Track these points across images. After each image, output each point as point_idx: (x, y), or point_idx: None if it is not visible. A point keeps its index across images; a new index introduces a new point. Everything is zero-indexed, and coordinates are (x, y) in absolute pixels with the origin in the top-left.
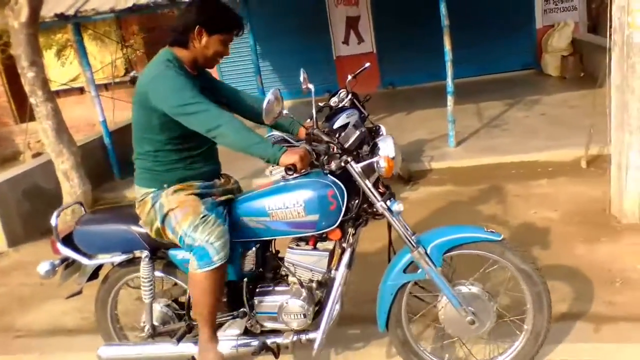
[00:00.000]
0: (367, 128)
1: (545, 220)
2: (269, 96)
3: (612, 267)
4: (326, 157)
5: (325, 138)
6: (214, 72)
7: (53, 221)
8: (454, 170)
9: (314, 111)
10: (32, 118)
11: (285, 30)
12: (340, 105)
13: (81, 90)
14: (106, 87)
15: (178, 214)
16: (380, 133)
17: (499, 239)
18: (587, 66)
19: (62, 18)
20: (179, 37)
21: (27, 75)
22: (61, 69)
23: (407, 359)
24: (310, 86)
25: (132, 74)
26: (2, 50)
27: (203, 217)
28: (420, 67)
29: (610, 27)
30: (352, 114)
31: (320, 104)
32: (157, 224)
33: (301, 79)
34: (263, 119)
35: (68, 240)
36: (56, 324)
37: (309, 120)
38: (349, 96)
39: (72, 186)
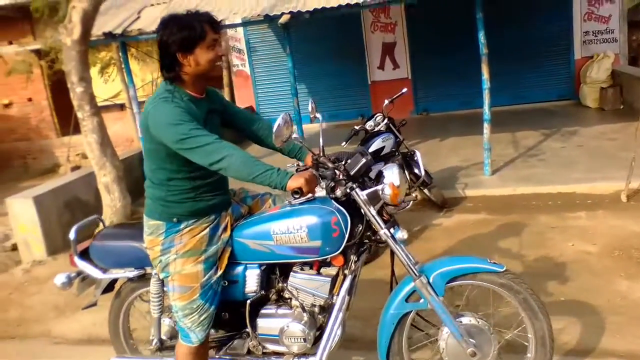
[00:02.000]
0: (401, 153)
1: (583, 253)
2: (279, 120)
3: None
4: (332, 182)
5: (331, 165)
6: (249, 93)
7: (72, 235)
8: (489, 198)
9: (321, 140)
10: (73, 132)
11: (322, 55)
12: (376, 129)
13: (121, 107)
14: None
15: (177, 287)
16: (415, 158)
17: (501, 270)
18: (626, 98)
19: (109, 37)
20: (170, 74)
21: (76, 90)
22: (103, 86)
23: None
24: (318, 115)
25: None
26: (50, 66)
27: (195, 305)
28: (454, 94)
29: None
30: (388, 138)
31: (356, 127)
32: (161, 273)
33: (309, 108)
34: (273, 142)
35: (85, 254)
36: (90, 333)
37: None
38: (385, 120)
39: (112, 199)
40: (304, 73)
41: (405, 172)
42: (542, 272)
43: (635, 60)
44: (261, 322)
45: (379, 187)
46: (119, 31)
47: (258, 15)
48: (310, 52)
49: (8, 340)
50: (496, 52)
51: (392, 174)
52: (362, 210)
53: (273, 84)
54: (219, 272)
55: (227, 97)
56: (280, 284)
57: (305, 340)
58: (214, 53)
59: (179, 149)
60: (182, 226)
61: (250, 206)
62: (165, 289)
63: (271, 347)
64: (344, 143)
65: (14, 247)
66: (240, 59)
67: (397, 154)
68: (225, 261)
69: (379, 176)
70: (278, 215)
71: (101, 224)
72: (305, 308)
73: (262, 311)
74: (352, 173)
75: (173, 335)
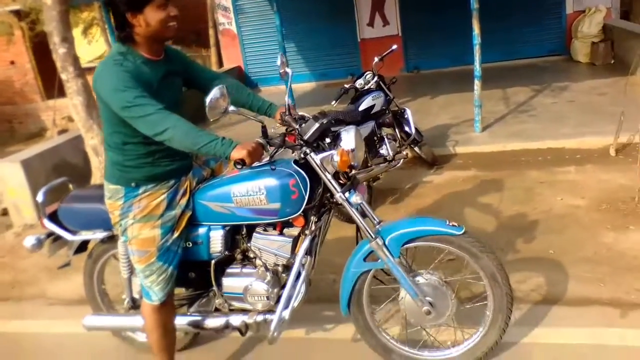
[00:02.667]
0: (392, 111)
1: (572, 207)
2: (215, 92)
3: None
4: (278, 149)
5: (294, 125)
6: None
7: (39, 198)
8: (479, 155)
9: (286, 97)
10: (58, 95)
11: (310, 12)
12: (366, 87)
13: None
14: None
15: (134, 251)
16: (406, 116)
17: (459, 233)
18: (618, 53)
19: None
20: (122, 34)
21: (59, 52)
22: (87, 47)
23: (368, 343)
24: (288, 70)
25: None
26: (30, 28)
27: (155, 267)
28: (445, 51)
29: None
30: (378, 96)
31: (346, 86)
32: (121, 237)
33: (278, 62)
34: (261, 105)
35: (55, 217)
36: (84, 294)
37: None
38: (375, 78)
39: (100, 161)
40: (292, 31)
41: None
42: (530, 226)
43: (627, 14)
44: (226, 281)
45: (329, 153)
46: None
47: None
48: (299, 9)
49: (3, 302)
50: (487, 8)
51: (347, 138)
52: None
53: (261, 42)
54: (176, 235)
55: (213, 57)
56: (244, 244)
57: (268, 298)
58: (165, 13)
59: (123, 115)
60: (140, 191)
61: (214, 169)
62: None
63: (237, 305)
64: (334, 102)
65: (5, 212)
66: (226, 17)
67: (387, 112)
68: (183, 224)
69: (336, 138)
70: (238, 178)
71: (70, 186)
72: (269, 267)
73: (228, 270)
74: (305, 137)
75: None
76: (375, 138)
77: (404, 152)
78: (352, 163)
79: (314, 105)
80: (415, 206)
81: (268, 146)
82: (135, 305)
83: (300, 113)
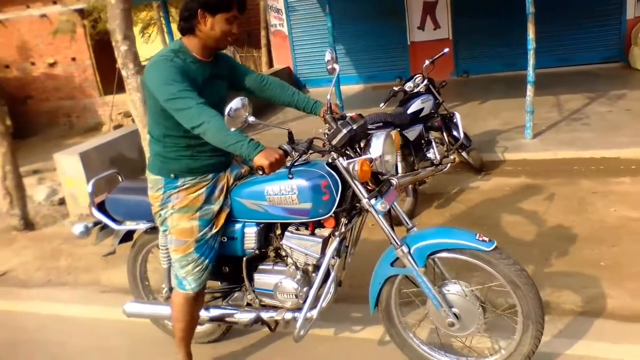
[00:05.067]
0: (440, 115)
1: (626, 219)
2: (235, 102)
3: None
4: (301, 156)
5: (333, 124)
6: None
7: (89, 188)
8: (529, 162)
9: (328, 96)
10: (116, 91)
11: (361, 14)
12: (416, 90)
13: None
14: None
15: (173, 241)
16: (454, 120)
17: (489, 249)
18: None
19: None
20: (185, 25)
21: (120, 49)
22: (144, 46)
23: (397, 344)
24: (336, 66)
25: None
26: (92, 26)
27: (191, 258)
28: (496, 55)
29: None
30: (427, 100)
31: (395, 89)
32: (160, 227)
33: (328, 57)
34: (305, 105)
35: (102, 206)
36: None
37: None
38: (425, 82)
39: None
40: (342, 33)
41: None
42: (581, 237)
43: None
44: (258, 277)
45: (352, 161)
46: None
47: None
48: (349, 11)
49: (60, 287)
50: (542, 12)
51: (376, 144)
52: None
53: (311, 44)
54: (214, 230)
55: (264, 57)
56: (277, 242)
57: (297, 296)
58: (230, 27)
59: (167, 107)
60: (179, 183)
61: (252, 166)
62: None
63: (267, 301)
64: (382, 104)
65: (62, 201)
66: (278, 18)
67: (436, 115)
68: (222, 220)
69: (368, 143)
70: (273, 176)
71: (119, 178)
72: (299, 266)
73: (260, 267)
74: (333, 143)
75: None
76: (422, 141)
77: (452, 157)
78: (380, 170)
79: (362, 107)
80: (461, 211)
81: (292, 152)
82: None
83: (345, 113)
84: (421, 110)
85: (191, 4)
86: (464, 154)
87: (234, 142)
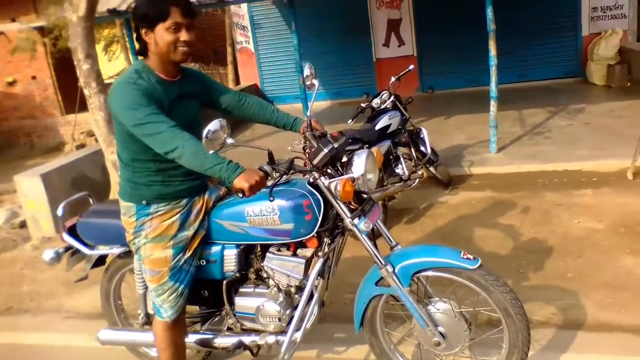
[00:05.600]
0: (407, 130)
1: (589, 230)
2: (214, 124)
3: None
4: (281, 177)
5: (313, 142)
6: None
7: (59, 212)
8: (495, 176)
9: (308, 112)
10: (78, 110)
11: (327, 32)
12: (383, 106)
13: None
14: None
15: (147, 270)
16: (421, 136)
17: (473, 267)
18: (634, 76)
19: (113, 13)
20: (140, 46)
21: (83, 68)
22: (107, 64)
23: None
24: (315, 82)
25: None
26: (53, 44)
27: (166, 286)
28: (460, 71)
29: None
30: (394, 116)
31: (363, 105)
32: (135, 255)
33: (306, 72)
34: (285, 122)
35: (73, 230)
36: (100, 308)
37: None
38: (392, 98)
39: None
40: (309, 50)
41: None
42: (548, 249)
43: None
44: (239, 301)
45: (334, 181)
46: (123, 7)
47: None
48: (316, 29)
49: (21, 314)
50: (503, 29)
51: (357, 162)
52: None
53: (278, 61)
54: (188, 254)
55: (230, 74)
56: (258, 264)
57: (280, 319)
58: (173, 37)
59: (135, 132)
60: (151, 209)
61: (229, 187)
62: None
63: (249, 325)
64: (350, 121)
65: (23, 224)
66: (244, 35)
67: (403, 131)
68: (195, 244)
69: (350, 162)
70: (253, 197)
71: (91, 200)
72: (282, 288)
73: (240, 290)
74: (314, 162)
75: None
76: (391, 157)
77: (420, 172)
78: (362, 189)
79: (330, 123)
80: (431, 226)
81: (273, 173)
82: (149, 320)
83: (324, 130)
84: (389, 126)
85: (135, 25)
86: (431, 169)
87: (212, 166)
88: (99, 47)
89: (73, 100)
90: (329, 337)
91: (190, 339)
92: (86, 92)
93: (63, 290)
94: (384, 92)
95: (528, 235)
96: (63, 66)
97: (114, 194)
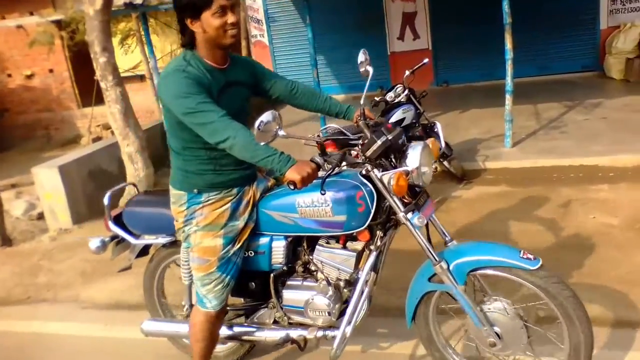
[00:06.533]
0: (421, 124)
1: (605, 225)
2: (266, 116)
3: None
4: (333, 169)
5: (366, 132)
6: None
7: (105, 200)
8: (510, 171)
9: (362, 100)
10: (95, 103)
11: (341, 25)
12: (397, 100)
13: (141, 78)
14: None
15: (195, 259)
16: (435, 130)
17: (534, 267)
18: None
19: (130, 7)
20: (185, 39)
21: (99, 61)
22: (123, 57)
23: (432, 356)
24: (369, 69)
25: None
26: (70, 37)
27: (213, 276)
28: (475, 65)
29: None
30: (408, 110)
31: (377, 99)
32: (183, 243)
33: (361, 58)
34: (338, 111)
35: (119, 220)
36: (118, 299)
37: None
38: (406, 92)
39: (136, 169)
40: (323, 44)
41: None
42: (563, 244)
43: None
44: (286, 294)
45: (387, 174)
46: (139, 1)
47: None
48: (330, 22)
49: (39, 304)
50: (519, 22)
51: (412, 155)
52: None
53: (292, 54)
54: (237, 246)
55: None
56: (306, 257)
57: (329, 314)
58: (222, 20)
59: (186, 121)
60: (202, 198)
61: (278, 178)
62: None
63: (296, 319)
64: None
65: (40, 216)
66: (258, 29)
67: (417, 125)
68: (245, 236)
69: (404, 153)
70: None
71: (135, 190)
72: (331, 282)
73: (288, 282)
74: (368, 154)
75: None
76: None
77: (434, 166)
78: (416, 182)
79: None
80: (444, 220)
81: (325, 165)
82: None
83: (378, 119)
84: (403, 120)
85: (178, 18)
86: (445, 163)
87: (264, 157)
88: (115, 41)
89: (90, 93)
90: (372, 331)
91: (236, 331)
92: (102, 85)
93: (80, 280)
94: (398, 85)
95: (543, 231)
96: (80, 59)
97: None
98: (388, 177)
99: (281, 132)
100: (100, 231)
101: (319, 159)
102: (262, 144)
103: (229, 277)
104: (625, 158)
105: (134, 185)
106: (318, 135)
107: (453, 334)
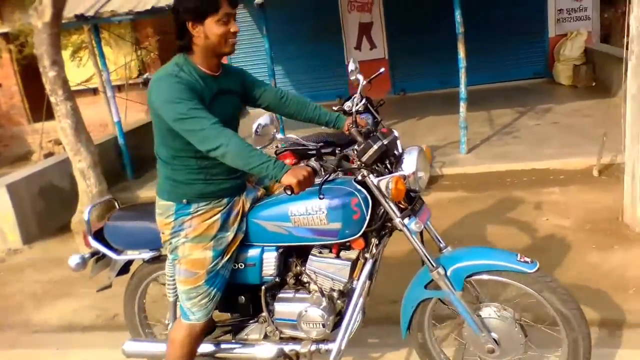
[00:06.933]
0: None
1: (557, 227)
2: (264, 119)
3: (626, 274)
4: (331, 175)
5: (359, 139)
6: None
7: (85, 215)
8: (465, 176)
9: (354, 109)
10: (46, 118)
11: (298, 35)
12: (354, 109)
13: (94, 92)
14: (119, 88)
15: (182, 271)
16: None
17: (532, 270)
18: (599, 75)
19: (81, 19)
20: (181, 42)
21: (49, 75)
22: (75, 70)
23: None
24: (360, 77)
25: (144, 76)
26: (19, 50)
27: (201, 290)
28: (431, 73)
29: (627, 36)
30: (366, 119)
31: (334, 108)
32: (169, 255)
33: (351, 67)
34: (327, 120)
35: (99, 235)
36: (71, 321)
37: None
38: (363, 101)
39: (88, 185)
40: (281, 54)
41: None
42: (517, 246)
43: (607, 37)
44: (278, 307)
45: (386, 177)
46: (91, 13)
47: None
48: (287, 32)
49: None
50: (472, 31)
51: (408, 160)
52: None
53: (249, 65)
54: (226, 258)
55: None
56: (297, 268)
57: (324, 325)
58: (225, 28)
59: (176, 128)
60: (191, 209)
61: (268, 187)
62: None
63: (289, 332)
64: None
65: None
66: None
67: (375, 134)
68: (234, 247)
69: (399, 159)
70: (296, 196)
71: (116, 204)
72: (324, 292)
73: (279, 295)
74: (363, 160)
75: None
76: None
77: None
78: (412, 187)
79: (304, 126)
80: None
81: (321, 170)
82: None
83: (369, 127)
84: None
85: (178, 19)
86: None
87: (259, 164)
88: (67, 54)
89: (40, 108)
90: (363, 342)
91: (224, 348)
92: (52, 99)
93: (31, 303)
94: (355, 95)
95: (498, 234)
96: (29, 73)
97: (82, 202)
98: (386, 182)
99: (279, 136)
100: (53, 251)
101: (314, 164)
102: (256, 150)
103: (215, 289)
104: (575, 161)
105: (114, 199)
106: (277, 147)
107: (450, 344)
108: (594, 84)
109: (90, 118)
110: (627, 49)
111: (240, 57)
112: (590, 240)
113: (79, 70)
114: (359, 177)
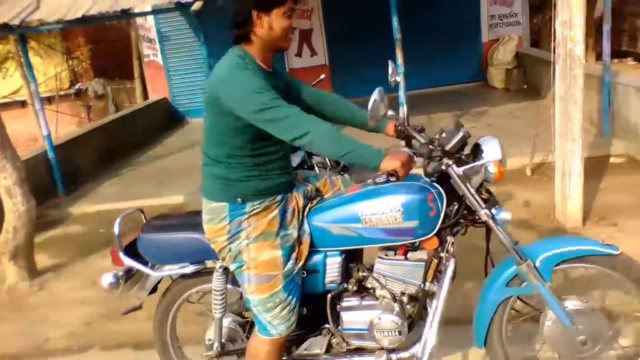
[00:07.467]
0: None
1: None
2: (375, 96)
3: None
4: (428, 160)
5: (421, 138)
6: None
7: (116, 229)
8: None
9: (402, 108)
10: None
11: None
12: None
13: (23, 104)
14: (49, 100)
15: (253, 277)
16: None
17: (617, 252)
18: (530, 78)
19: (6, 28)
20: (240, 32)
21: None
22: (2, 82)
23: None
24: (398, 79)
25: (77, 86)
26: None
27: (278, 298)
28: (371, 79)
29: (554, 40)
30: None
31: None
32: (232, 265)
33: (389, 70)
34: (367, 121)
35: (130, 250)
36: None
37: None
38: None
39: (14, 203)
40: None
41: None
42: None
43: (537, 42)
44: (346, 316)
45: (481, 162)
46: (16, 22)
47: (169, 2)
48: (226, 40)
49: None
50: (410, 37)
51: (492, 148)
52: (458, 189)
53: (188, 74)
54: (300, 263)
55: (138, 88)
56: (361, 273)
57: (400, 332)
58: (288, 22)
59: (256, 120)
60: (247, 208)
61: (317, 187)
62: (227, 283)
63: (356, 343)
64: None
65: None
66: (151, 48)
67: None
68: (305, 251)
69: (476, 150)
70: (364, 195)
71: (143, 217)
72: (396, 297)
73: (344, 304)
74: (447, 148)
75: (234, 337)
76: (305, 167)
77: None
78: (488, 178)
79: None
80: None
81: (415, 157)
82: (224, 351)
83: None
84: None
85: (243, 7)
86: (346, 176)
87: (352, 150)
88: None
89: None
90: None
91: None
92: None
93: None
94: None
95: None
96: None
97: (8, 222)
98: (483, 166)
99: (390, 112)
100: None
101: (408, 150)
102: (347, 136)
103: (294, 298)
104: (509, 161)
105: (141, 210)
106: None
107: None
108: (525, 86)
109: (18, 132)
110: (554, 52)
111: (178, 66)
112: (525, 236)
113: (6, 81)
114: (442, 167)
